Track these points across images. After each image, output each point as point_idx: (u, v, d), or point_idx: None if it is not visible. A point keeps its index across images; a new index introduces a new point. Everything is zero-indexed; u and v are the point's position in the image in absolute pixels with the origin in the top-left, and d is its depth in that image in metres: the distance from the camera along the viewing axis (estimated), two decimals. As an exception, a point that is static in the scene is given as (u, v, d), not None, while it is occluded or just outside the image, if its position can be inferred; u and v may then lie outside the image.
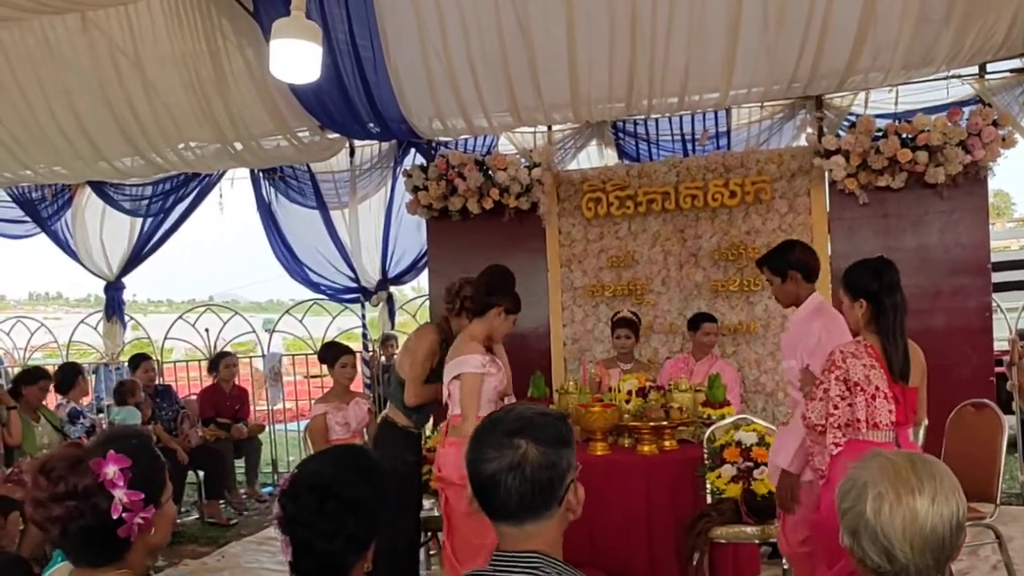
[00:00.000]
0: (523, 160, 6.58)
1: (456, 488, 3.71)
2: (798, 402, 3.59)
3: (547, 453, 1.58)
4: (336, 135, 7.01)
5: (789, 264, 3.70)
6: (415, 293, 11.23)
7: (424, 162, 6.94)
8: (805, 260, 3.70)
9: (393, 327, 8.01)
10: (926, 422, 4.54)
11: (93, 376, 8.41)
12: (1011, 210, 26.22)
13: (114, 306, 8.40)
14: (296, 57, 4.47)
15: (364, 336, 7.72)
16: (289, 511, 1.68)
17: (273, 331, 8.51)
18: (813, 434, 3.24)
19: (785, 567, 4.14)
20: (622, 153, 6.83)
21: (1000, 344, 6.62)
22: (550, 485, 1.58)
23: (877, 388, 3.14)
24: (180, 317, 8.75)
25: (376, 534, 1.73)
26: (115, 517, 1.64)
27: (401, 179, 7.01)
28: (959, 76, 5.89)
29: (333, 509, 1.64)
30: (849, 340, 3.38)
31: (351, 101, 6.29)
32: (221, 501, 7.04)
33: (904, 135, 5.67)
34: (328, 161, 7.37)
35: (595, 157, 6.95)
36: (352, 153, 7.36)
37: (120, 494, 1.65)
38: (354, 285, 7.49)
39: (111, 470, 1.66)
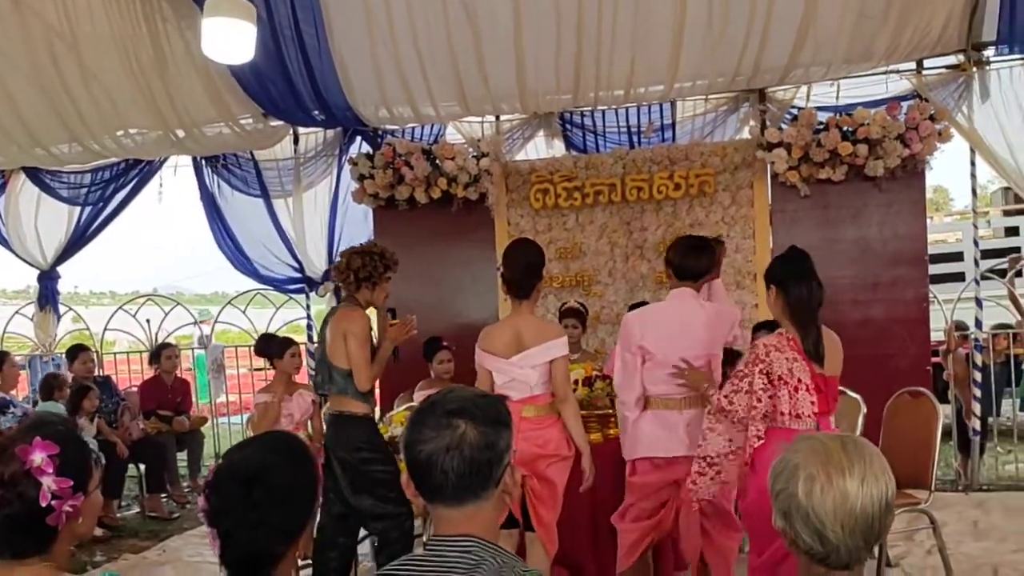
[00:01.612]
0: (471, 150, 6.56)
1: (567, 460, 3.82)
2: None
3: (486, 433, 1.57)
4: (280, 122, 6.90)
5: (664, 261, 3.97)
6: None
7: (370, 150, 6.87)
8: (673, 258, 3.86)
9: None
10: (864, 410, 4.65)
11: (28, 369, 8.18)
12: (949, 206, 26.93)
13: (47, 296, 8.16)
14: (229, 37, 4.35)
15: (309, 327, 7.62)
16: (214, 503, 1.63)
17: (213, 323, 8.37)
18: (720, 418, 3.40)
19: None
20: (569, 144, 6.85)
21: (936, 335, 6.80)
22: (488, 466, 1.57)
23: (800, 381, 3.20)
24: (120, 308, 8.56)
25: (306, 523, 1.70)
26: (43, 505, 1.60)
27: (347, 167, 6.94)
28: (898, 71, 6.01)
29: (259, 498, 1.60)
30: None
31: (295, 87, 6.18)
32: (163, 495, 6.91)
33: (845, 128, 5.79)
34: (272, 149, 7.24)
35: (543, 148, 6.96)
36: (296, 141, 7.23)
37: (48, 481, 1.61)
38: (298, 275, 7.38)
39: (38, 457, 1.62)
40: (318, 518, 4.26)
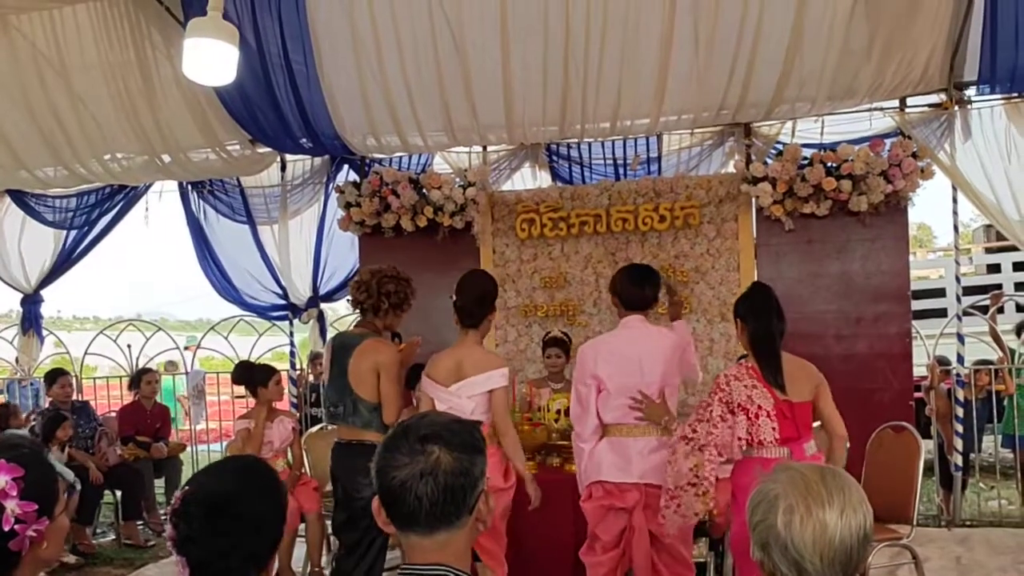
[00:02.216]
0: (458, 179, 6.57)
1: (504, 491, 3.81)
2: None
3: (460, 459, 1.55)
4: (267, 149, 6.91)
5: (610, 290, 4.01)
6: (348, 311, 11.08)
7: (357, 178, 6.89)
8: (618, 288, 3.93)
9: (324, 345, 7.86)
10: (847, 444, 4.64)
11: (6, 392, 8.09)
12: (932, 243, 27.04)
13: (31, 319, 8.10)
14: (211, 58, 4.35)
15: (292, 354, 7.57)
16: (182, 531, 1.59)
17: (195, 350, 8.32)
18: (682, 448, 3.44)
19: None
20: (555, 176, 6.88)
21: (919, 370, 6.83)
22: (462, 492, 1.54)
23: (760, 407, 3.33)
24: (101, 332, 8.49)
25: (277, 547, 1.67)
26: (6, 529, 1.57)
27: (333, 195, 6.95)
28: (881, 108, 6.08)
29: (229, 525, 1.58)
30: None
31: (283, 115, 6.21)
32: (139, 522, 6.80)
33: (829, 164, 5.83)
34: (259, 176, 7.25)
35: (529, 179, 6.97)
36: (283, 168, 7.25)
37: (12, 505, 1.58)
38: (283, 302, 7.36)
39: (2, 480, 1.59)
40: (335, 549, 4.20)
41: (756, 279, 6.10)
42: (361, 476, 3.96)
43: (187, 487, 1.65)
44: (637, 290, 3.87)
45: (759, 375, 3.39)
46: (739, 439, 3.31)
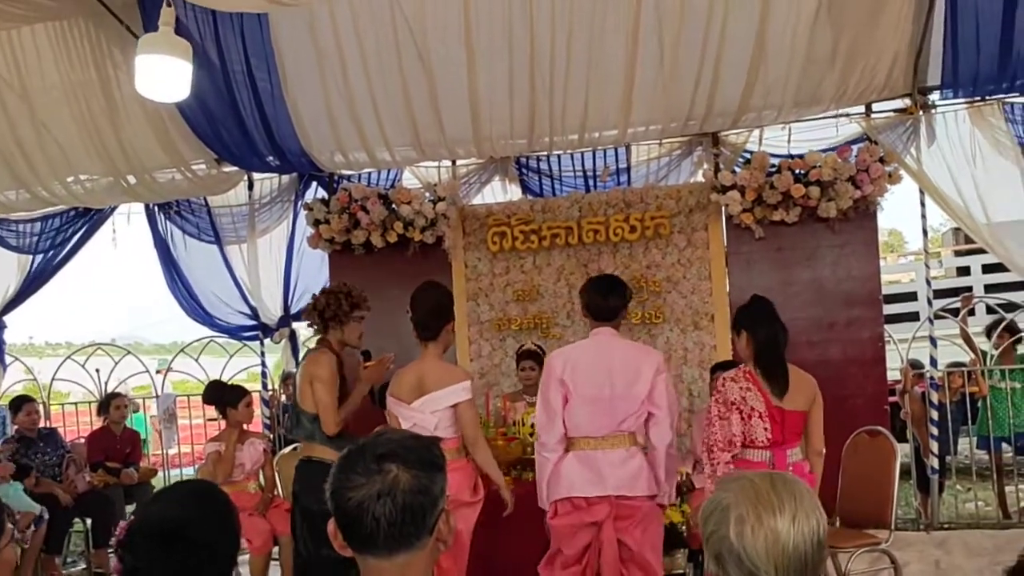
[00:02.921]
0: (427, 194, 6.53)
1: (471, 506, 3.76)
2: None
3: (419, 477, 1.49)
4: (233, 168, 6.83)
5: (581, 302, 4.02)
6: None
7: (326, 195, 6.83)
8: (588, 299, 3.94)
9: (297, 365, 7.76)
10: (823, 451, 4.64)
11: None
12: (903, 248, 27.38)
13: (-7, 346, 7.95)
14: (164, 74, 4.31)
15: (264, 375, 7.47)
16: (128, 563, 1.53)
17: (165, 373, 8.20)
18: (707, 457, 3.57)
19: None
20: (525, 188, 6.86)
21: (893, 374, 6.85)
22: (422, 512, 1.49)
23: (753, 409, 3.46)
24: (68, 358, 8.35)
25: (231, 572, 1.61)
26: None
27: (302, 213, 6.88)
28: (847, 115, 6.10)
29: (180, 552, 1.51)
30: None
31: (248, 133, 6.13)
32: (110, 550, 6.66)
33: (797, 171, 5.85)
34: (226, 195, 7.16)
35: (499, 192, 6.94)
36: (251, 186, 7.15)
37: None
38: (253, 322, 7.26)
39: None
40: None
41: (728, 287, 6.11)
42: (309, 497, 3.93)
43: (133, 517, 1.59)
44: (601, 300, 3.87)
45: (754, 379, 3.51)
46: (734, 435, 3.44)
